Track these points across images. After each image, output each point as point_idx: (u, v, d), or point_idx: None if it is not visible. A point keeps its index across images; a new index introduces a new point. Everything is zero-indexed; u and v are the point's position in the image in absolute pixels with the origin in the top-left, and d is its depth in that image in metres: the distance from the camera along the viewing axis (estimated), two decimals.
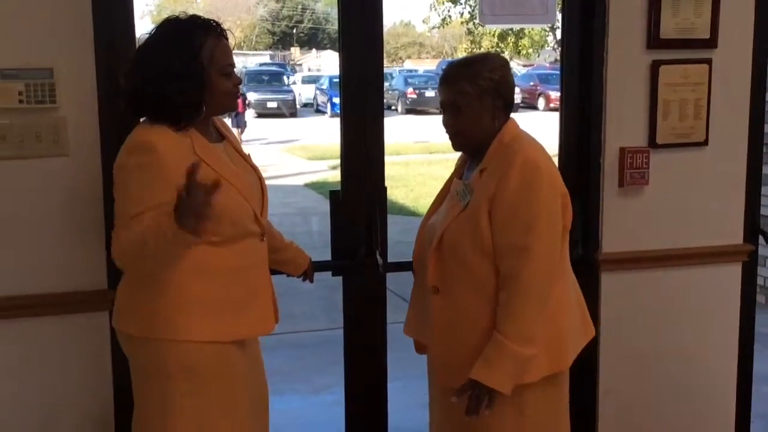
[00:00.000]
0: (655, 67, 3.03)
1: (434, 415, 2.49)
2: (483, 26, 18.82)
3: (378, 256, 2.92)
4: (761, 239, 3.35)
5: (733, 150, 3.20)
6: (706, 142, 3.13)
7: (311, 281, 2.70)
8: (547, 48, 18.67)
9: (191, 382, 2.11)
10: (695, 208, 3.14)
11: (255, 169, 2.33)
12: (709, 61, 3.08)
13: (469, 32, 18.38)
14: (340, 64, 2.93)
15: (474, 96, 2.24)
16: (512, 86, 2.31)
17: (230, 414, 2.17)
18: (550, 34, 17.11)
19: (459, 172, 2.44)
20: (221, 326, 2.13)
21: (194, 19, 2.15)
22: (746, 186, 3.24)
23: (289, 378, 4.89)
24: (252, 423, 2.25)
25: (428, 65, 36.01)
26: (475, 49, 18.68)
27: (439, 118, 2.39)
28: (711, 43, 3.07)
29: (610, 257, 3.06)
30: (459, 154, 2.46)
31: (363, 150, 2.94)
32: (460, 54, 22.50)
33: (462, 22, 17.62)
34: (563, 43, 3.14)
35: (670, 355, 3.20)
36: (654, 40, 3.01)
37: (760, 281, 5.66)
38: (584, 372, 2.98)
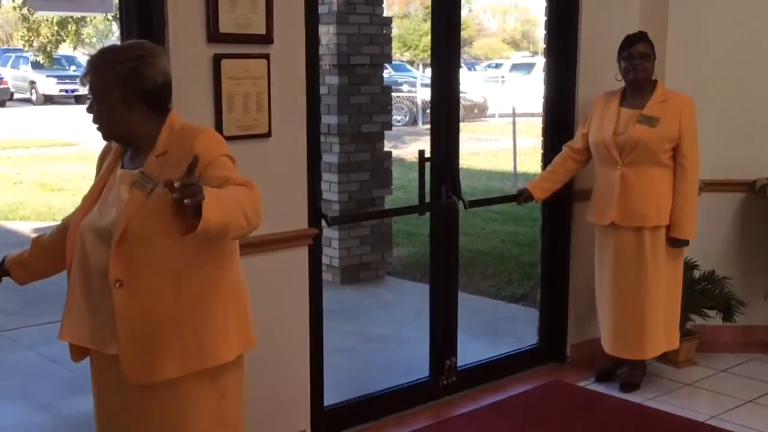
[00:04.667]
0: (217, 60, 3.08)
1: (122, 419, 2.35)
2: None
3: None
4: (323, 222, 3.62)
5: (294, 140, 3.38)
6: (269, 134, 3.27)
7: None
8: (111, 38, 18.06)
9: None
10: (262, 197, 3.26)
11: None
12: (267, 56, 3.22)
13: (25, 19, 16.98)
14: None
15: (103, 86, 2.25)
16: (150, 77, 2.27)
17: None
18: (114, 23, 16.55)
19: (113, 166, 2.36)
20: None
21: None
22: (308, 174, 3.46)
23: None
24: None
25: None
26: (32, 37, 17.35)
27: None
28: (267, 38, 3.20)
29: None
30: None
31: None
32: (17, 42, 20.72)
33: (15, 8, 16.19)
34: (122, 34, 3.05)
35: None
36: (214, 34, 3.06)
37: (326, 260, 6.15)
38: None
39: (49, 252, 2.48)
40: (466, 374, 4.22)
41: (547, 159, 4.42)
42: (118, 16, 3.26)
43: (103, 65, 2.25)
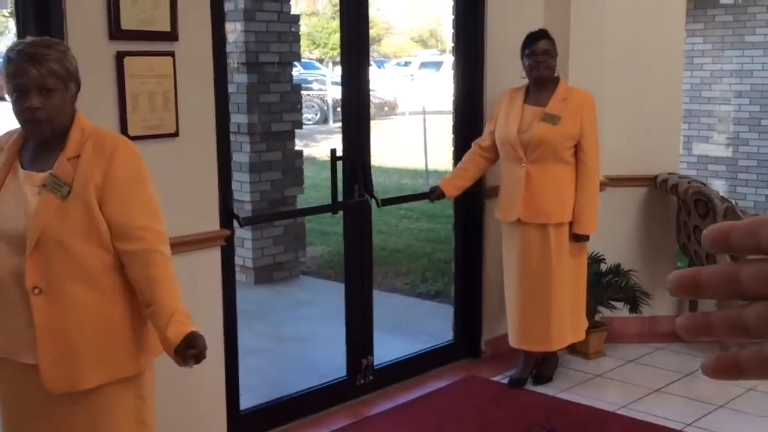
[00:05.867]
0: (119, 58, 2.99)
1: (36, 428, 2.28)
2: None
3: None
4: (235, 223, 3.55)
5: (203, 140, 3.31)
6: (176, 134, 3.19)
7: None
8: (8, 34, 17.40)
9: None
10: (172, 199, 3.17)
11: None
12: (172, 54, 3.14)
13: None
14: None
15: (63, 78, 2.19)
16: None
17: None
18: (11, 19, 15.94)
19: (9, 165, 2.25)
20: None
21: None
22: (218, 174, 3.39)
23: None
24: None
25: None
26: None
27: None
28: (172, 36, 3.12)
29: None
30: None
31: None
32: None
33: None
34: (19, 31, 2.92)
35: None
36: (116, 30, 2.96)
37: (240, 261, 6.05)
38: None
39: None
40: (383, 372, 4.22)
41: (457, 156, 4.45)
42: (13, 11, 3.11)
43: (62, 55, 2.19)
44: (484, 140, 4.25)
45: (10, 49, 2.20)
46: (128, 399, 2.30)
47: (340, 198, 4.02)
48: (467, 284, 4.65)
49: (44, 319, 2.16)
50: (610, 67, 4.83)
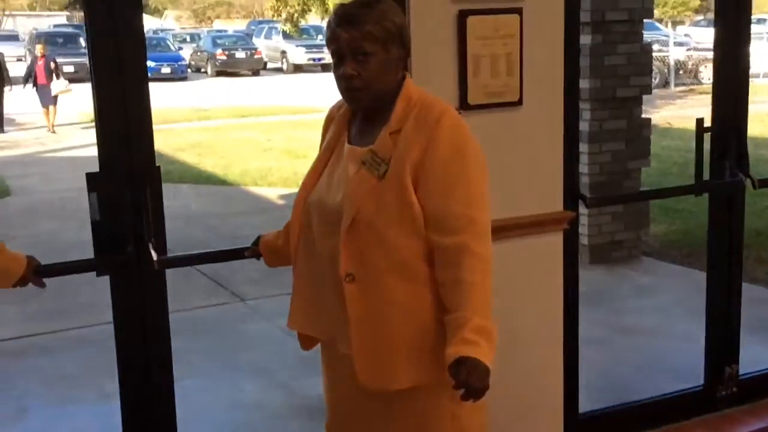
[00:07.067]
0: (462, 17, 2.68)
1: (351, 422, 2.16)
2: None
3: (151, 250, 2.46)
4: (581, 204, 3.14)
5: (549, 109, 2.93)
6: (520, 102, 2.84)
7: (42, 286, 2.28)
8: None
9: None
10: (513, 175, 2.85)
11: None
12: (519, 11, 2.77)
13: None
14: (86, 20, 2.40)
15: (381, 40, 1.94)
16: (408, 33, 2.02)
17: None
18: None
19: (339, 136, 2.08)
20: None
21: None
22: (564, 148, 2.99)
23: (76, 384, 4.31)
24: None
25: (238, 25, 34.91)
26: (281, 8, 18.06)
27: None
28: None
29: None
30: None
31: (124, 121, 2.45)
32: (269, 13, 21.72)
33: None
34: None
35: (500, 331, 2.92)
36: None
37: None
38: None
39: None
40: (750, 384, 3.56)
41: None
42: None
43: (381, 15, 1.93)
44: None
45: (332, 13, 2.00)
46: (444, 402, 2.02)
47: (705, 176, 3.41)
48: None
49: (357, 310, 1.96)
50: None
